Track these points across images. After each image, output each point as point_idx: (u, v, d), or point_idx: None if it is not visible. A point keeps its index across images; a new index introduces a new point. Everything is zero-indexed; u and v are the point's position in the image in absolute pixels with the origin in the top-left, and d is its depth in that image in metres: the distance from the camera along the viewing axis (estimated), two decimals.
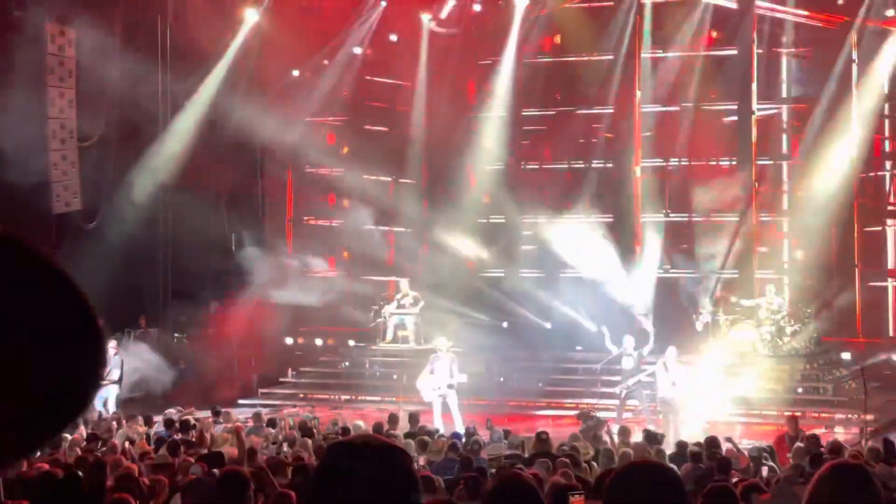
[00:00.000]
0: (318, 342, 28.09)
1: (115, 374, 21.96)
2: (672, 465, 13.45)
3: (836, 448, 13.95)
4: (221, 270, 27.64)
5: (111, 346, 22.81)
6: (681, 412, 20.36)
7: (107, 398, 21.97)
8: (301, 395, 26.24)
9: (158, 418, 18.62)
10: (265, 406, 23.96)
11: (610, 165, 28.82)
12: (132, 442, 15.20)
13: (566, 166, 30.02)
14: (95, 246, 25.00)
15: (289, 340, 28.08)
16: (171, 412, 19.60)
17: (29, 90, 23.55)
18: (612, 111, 28.66)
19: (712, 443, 13.81)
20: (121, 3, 25.91)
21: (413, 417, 18.19)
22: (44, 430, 1.81)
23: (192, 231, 26.59)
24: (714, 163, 28.79)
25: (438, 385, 20.78)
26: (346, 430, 16.34)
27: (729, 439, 15.86)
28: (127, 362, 24.46)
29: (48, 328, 1.77)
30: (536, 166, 30.33)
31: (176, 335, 24.69)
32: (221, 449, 14.10)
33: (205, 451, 14.06)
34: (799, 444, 14.39)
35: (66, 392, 1.79)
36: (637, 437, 16.62)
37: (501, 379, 25.69)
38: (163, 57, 26.89)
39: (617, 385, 21.26)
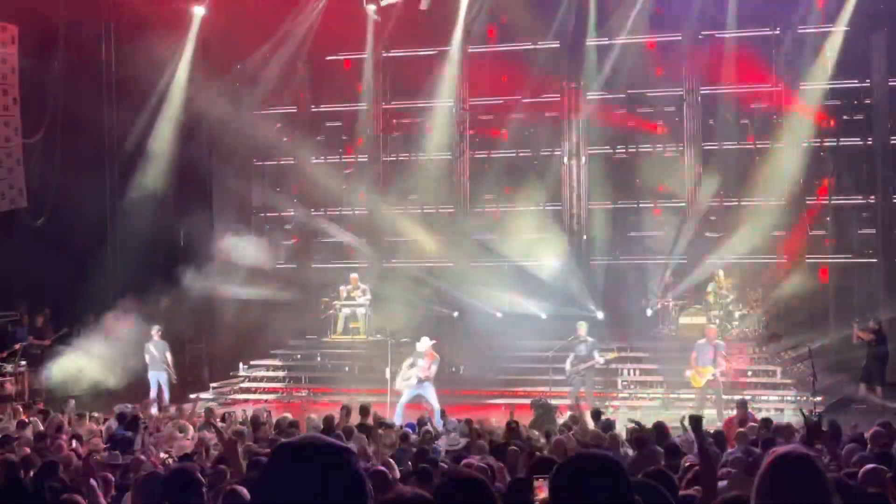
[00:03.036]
0: None
1: (168, 358, 22.94)
2: (626, 453, 13.59)
3: (784, 431, 14.09)
4: (171, 265, 27.44)
5: (154, 330, 23.02)
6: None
7: (160, 381, 22.64)
8: (253, 389, 26.15)
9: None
10: (216, 400, 23.94)
11: (558, 153, 28.78)
12: (80, 439, 15.09)
13: (514, 154, 29.97)
14: (44, 243, 24.76)
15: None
16: (123, 407, 19.47)
17: None
18: (557, 98, 28.69)
19: (661, 428, 13.90)
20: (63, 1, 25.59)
21: (364, 409, 18.13)
22: None
23: (141, 226, 26.46)
24: (661, 148, 28.88)
25: (411, 377, 20.71)
26: (294, 424, 16.27)
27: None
28: (77, 359, 24.32)
29: None
30: (484, 155, 30.26)
31: (126, 331, 24.49)
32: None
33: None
34: (745, 429, 14.50)
35: None
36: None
37: (453, 369, 25.70)
38: (107, 54, 26.68)
39: (568, 371, 21.37)
